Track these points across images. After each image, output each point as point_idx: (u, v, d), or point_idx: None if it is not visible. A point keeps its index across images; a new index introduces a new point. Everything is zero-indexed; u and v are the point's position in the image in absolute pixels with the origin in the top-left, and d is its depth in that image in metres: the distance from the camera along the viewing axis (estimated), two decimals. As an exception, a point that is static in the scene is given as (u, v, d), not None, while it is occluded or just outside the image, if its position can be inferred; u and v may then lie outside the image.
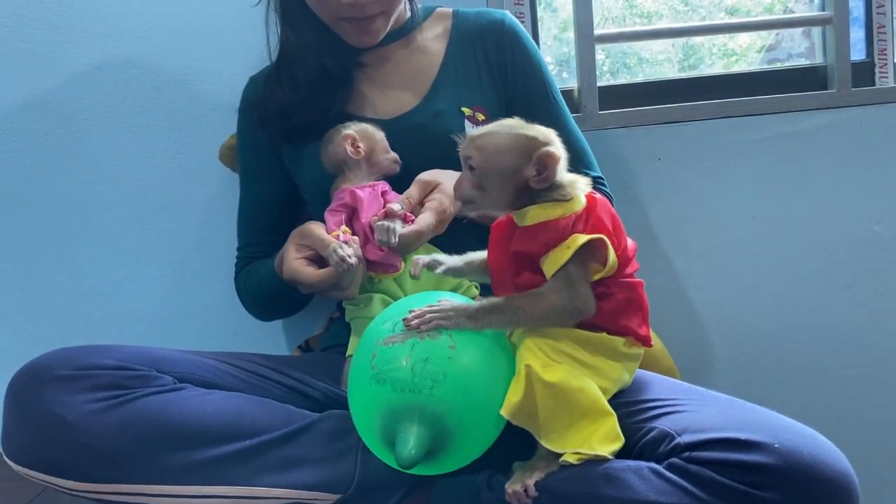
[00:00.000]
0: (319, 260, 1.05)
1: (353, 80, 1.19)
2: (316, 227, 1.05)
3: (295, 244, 1.06)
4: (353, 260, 0.99)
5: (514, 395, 0.84)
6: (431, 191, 1.06)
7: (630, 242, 0.90)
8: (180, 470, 0.87)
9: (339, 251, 0.99)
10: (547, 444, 0.84)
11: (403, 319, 0.85)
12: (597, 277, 0.86)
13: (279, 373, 1.04)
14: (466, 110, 1.16)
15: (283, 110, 1.16)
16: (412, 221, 1.02)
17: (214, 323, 1.45)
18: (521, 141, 0.86)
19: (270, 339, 1.44)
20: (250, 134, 1.23)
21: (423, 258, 0.94)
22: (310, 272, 1.03)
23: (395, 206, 1.01)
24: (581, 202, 0.87)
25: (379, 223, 1.00)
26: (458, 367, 0.83)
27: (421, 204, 1.05)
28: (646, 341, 0.90)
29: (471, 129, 1.12)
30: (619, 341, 0.88)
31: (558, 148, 0.86)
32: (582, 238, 0.83)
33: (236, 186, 1.29)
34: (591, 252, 0.84)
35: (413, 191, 1.05)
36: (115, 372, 0.90)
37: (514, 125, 0.87)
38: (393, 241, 0.99)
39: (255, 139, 1.22)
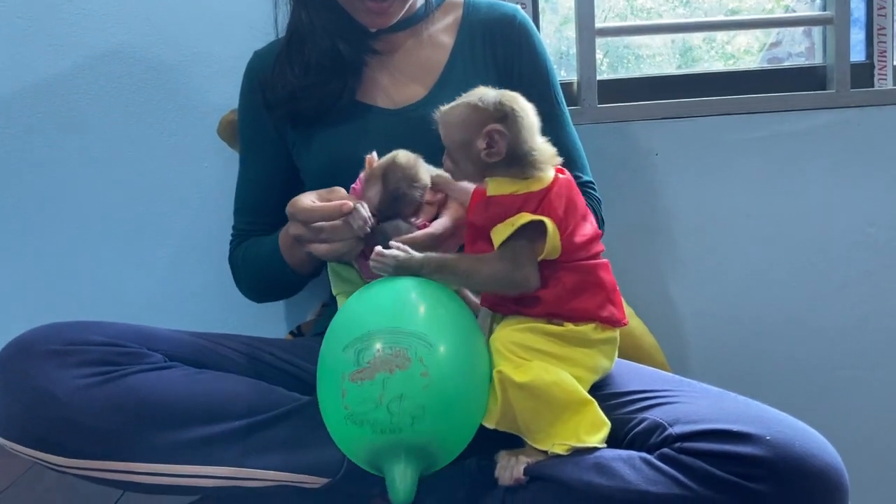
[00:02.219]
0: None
1: (365, 66, 1.18)
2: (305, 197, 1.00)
3: (317, 194, 1.00)
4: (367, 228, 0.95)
5: (493, 404, 0.84)
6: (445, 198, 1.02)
7: (590, 228, 0.90)
8: (168, 448, 0.86)
9: (363, 211, 0.94)
10: (535, 444, 0.84)
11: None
12: (539, 259, 0.86)
13: (270, 355, 1.04)
14: None
15: (293, 94, 1.14)
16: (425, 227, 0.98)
17: (207, 306, 1.44)
18: (473, 114, 0.87)
19: (263, 323, 1.43)
20: (253, 110, 1.21)
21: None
22: (306, 201, 0.97)
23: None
24: (543, 182, 0.87)
25: (384, 225, 0.96)
26: (435, 395, 0.79)
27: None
28: (613, 322, 0.89)
29: None
30: (587, 329, 0.87)
31: (520, 120, 0.86)
32: (525, 218, 0.84)
33: (232, 169, 1.28)
34: (539, 232, 0.85)
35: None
36: (105, 348, 0.89)
37: (472, 98, 0.88)
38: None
39: (259, 116, 1.20)
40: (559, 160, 0.90)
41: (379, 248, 0.87)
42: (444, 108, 0.90)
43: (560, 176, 0.89)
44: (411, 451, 0.79)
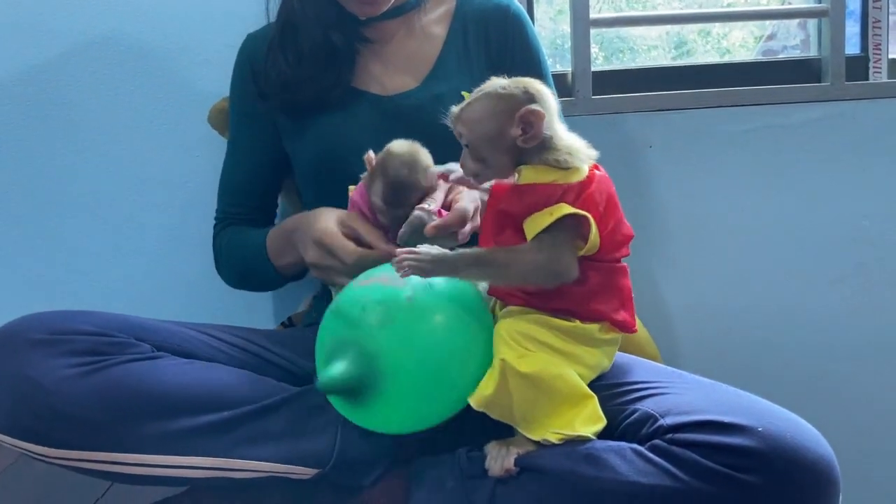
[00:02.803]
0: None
1: (357, 55, 1.17)
2: (357, 221, 1.01)
3: (337, 218, 1.01)
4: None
5: (487, 388, 0.83)
6: (450, 189, 1.01)
7: (627, 229, 0.89)
8: (156, 439, 0.85)
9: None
10: (528, 433, 0.83)
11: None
12: (578, 254, 0.84)
13: (260, 346, 1.03)
14: (467, 95, 1.14)
15: (286, 84, 1.14)
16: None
17: (198, 297, 1.43)
18: (501, 103, 0.83)
19: (254, 314, 1.43)
20: (245, 94, 1.21)
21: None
22: (351, 246, 0.98)
23: (427, 206, 0.96)
24: (580, 174, 0.84)
25: (417, 213, 0.94)
26: (410, 317, 0.84)
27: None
28: (624, 326, 0.88)
29: None
30: (593, 328, 0.86)
31: (544, 102, 0.83)
32: (566, 209, 0.81)
33: (223, 158, 1.27)
34: (576, 226, 0.83)
35: (437, 194, 0.99)
36: (93, 338, 0.88)
37: (493, 88, 0.85)
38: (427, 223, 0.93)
39: (250, 101, 1.19)
40: (595, 154, 0.87)
41: (410, 247, 0.85)
42: (459, 107, 0.86)
43: (597, 171, 0.86)
44: (361, 353, 0.83)
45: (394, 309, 0.84)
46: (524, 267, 0.82)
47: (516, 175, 0.86)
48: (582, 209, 0.82)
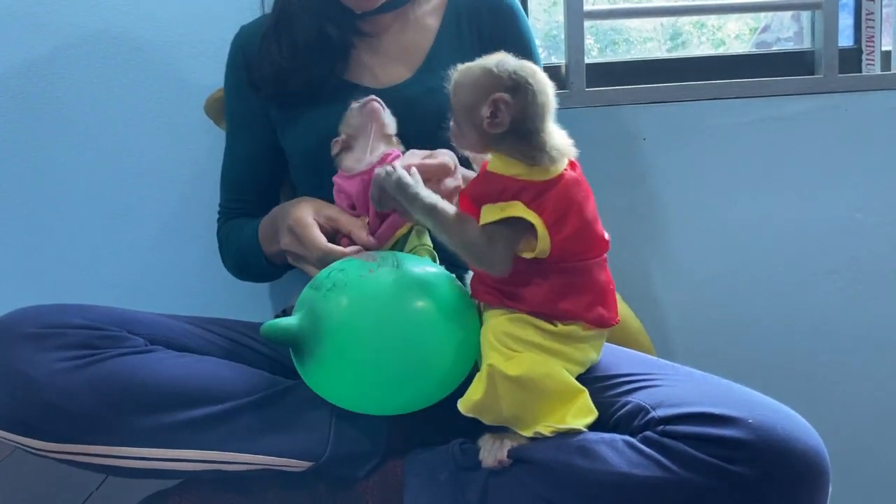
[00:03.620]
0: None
1: (351, 47, 1.17)
2: (338, 212, 1.03)
3: (315, 208, 1.02)
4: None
5: (475, 393, 0.83)
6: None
7: (598, 232, 0.87)
8: (149, 432, 0.85)
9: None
10: (520, 431, 0.84)
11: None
12: (526, 256, 0.83)
13: (253, 339, 1.03)
14: None
15: (279, 75, 1.13)
16: None
17: (193, 289, 1.43)
18: (484, 79, 0.82)
19: (249, 307, 1.42)
20: (238, 87, 1.20)
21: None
22: (319, 240, 0.99)
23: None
24: (546, 174, 0.82)
25: (378, 170, 0.92)
26: (364, 285, 0.86)
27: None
28: (601, 322, 0.86)
29: None
30: (575, 328, 0.85)
31: (528, 94, 0.81)
32: (517, 210, 0.81)
33: (219, 150, 1.27)
34: (525, 227, 0.82)
35: (409, 157, 0.99)
36: (85, 331, 0.88)
37: (491, 63, 0.83)
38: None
39: (244, 94, 1.19)
40: (574, 152, 0.86)
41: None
42: (462, 66, 0.86)
43: (569, 172, 0.84)
44: (309, 311, 0.86)
45: (352, 277, 0.87)
46: (463, 240, 0.84)
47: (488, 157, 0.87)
48: (536, 211, 0.81)
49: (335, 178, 1.04)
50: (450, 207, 0.85)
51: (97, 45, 1.39)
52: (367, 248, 0.97)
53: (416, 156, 0.98)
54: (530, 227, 0.81)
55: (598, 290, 0.87)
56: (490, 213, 0.82)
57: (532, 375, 0.81)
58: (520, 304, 0.85)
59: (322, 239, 0.98)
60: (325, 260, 0.95)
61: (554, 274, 0.84)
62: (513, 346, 0.83)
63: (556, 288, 0.84)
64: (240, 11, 1.32)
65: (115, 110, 1.40)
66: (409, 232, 0.99)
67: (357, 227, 0.99)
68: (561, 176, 0.83)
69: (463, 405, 0.83)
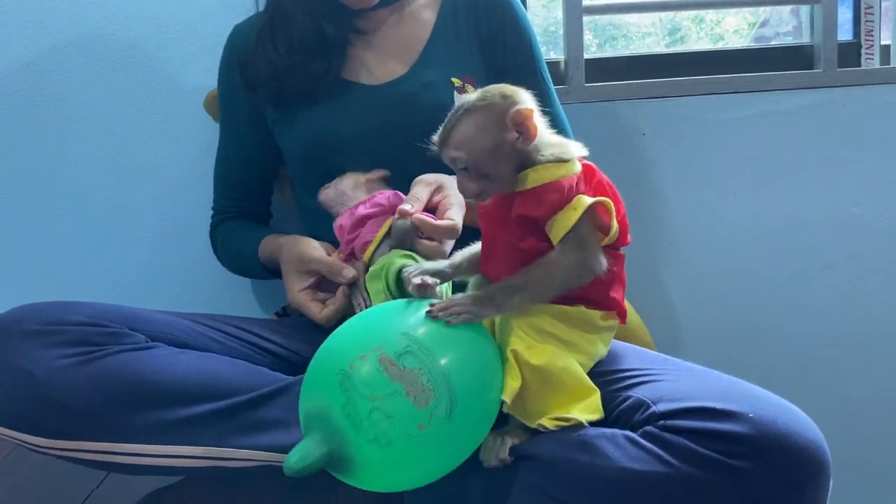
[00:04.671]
0: (322, 281, 1.05)
1: (348, 44, 1.17)
2: (313, 250, 1.05)
3: (295, 272, 1.05)
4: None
5: (514, 381, 0.82)
6: (435, 191, 1.01)
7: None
8: (150, 429, 0.85)
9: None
10: (526, 421, 0.83)
11: (427, 311, 0.80)
12: (602, 244, 0.84)
13: (254, 335, 1.03)
14: (456, 81, 1.14)
15: (275, 73, 1.13)
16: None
17: (192, 286, 1.43)
18: (487, 113, 0.82)
19: (248, 303, 1.43)
20: (232, 88, 1.20)
21: (427, 278, 0.86)
22: (318, 311, 1.02)
23: (407, 207, 0.95)
24: (577, 164, 0.84)
25: (399, 222, 0.95)
26: (408, 447, 0.76)
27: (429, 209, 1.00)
28: (623, 314, 0.89)
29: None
30: (596, 315, 0.86)
31: (524, 99, 0.83)
32: (587, 199, 0.80)
33: (215, 148, 1.27)
34: (593, 217, 0.82)
35: (419, 192, 0.99)
36: (86, 328, 0.88)
37: (470, 104, 0.82)
38: (408, 243, 0.94)
39: (238, 94, 1.19)
40: (584, 152, 0.86)
41: (438, 302, 0.83)
42: (444, 136, 0.83)
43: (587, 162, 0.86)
44: (340, 451, 0.77)
45: (399, 435, 0.75)
46: (561, 275, 0.81)
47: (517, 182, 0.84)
48: (597, 195, 0.82)
49: (339, 221, 1.04)
50: (522, 274, 0.82)
51: (94, 45, 1.39)
52: (345, 284, 1.00)
53: (424, 191, 0.98)
54: (595, 217, 0.81)
55: (624, 282, 0.89)
56: (566, 220, 0.81)
57: (551, 368, 0.81)
58: (572, 293, 0.84)
59: (317, 306, 1.03)
60: (330, 322, 1.00)
61: (613, 262, 0.85)
62: (535, 336, 0.83)
63: (613, 276, 0.85)
64: (234, 9, 1.33)
65: (112, 109, 1.40)
66: (388, 231, 0.98)
67: (333, 271, 1.01)
68: (588, 164, 0.85)
69: (508, 395, 0.81)
